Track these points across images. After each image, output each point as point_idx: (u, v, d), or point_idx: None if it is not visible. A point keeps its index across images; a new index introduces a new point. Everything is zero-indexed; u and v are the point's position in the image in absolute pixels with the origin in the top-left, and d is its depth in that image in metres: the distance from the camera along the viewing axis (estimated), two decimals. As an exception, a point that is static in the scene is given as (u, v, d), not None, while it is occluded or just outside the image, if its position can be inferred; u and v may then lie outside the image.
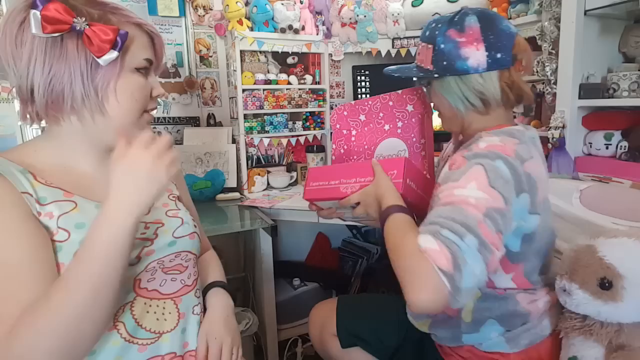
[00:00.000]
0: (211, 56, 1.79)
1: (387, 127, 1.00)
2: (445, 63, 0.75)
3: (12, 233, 0.53)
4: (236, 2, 1.54)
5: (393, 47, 1.74)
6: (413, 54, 1.70)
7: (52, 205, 0.57)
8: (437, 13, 1.58)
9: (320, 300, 1.69)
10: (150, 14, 1.64)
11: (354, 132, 1.03)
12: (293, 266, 1.88)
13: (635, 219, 0.91)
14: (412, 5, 1.64)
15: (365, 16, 1.68)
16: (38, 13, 0.52)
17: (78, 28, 0.55)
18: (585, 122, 1.30)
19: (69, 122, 0.61)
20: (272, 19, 1.63)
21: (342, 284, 1.77)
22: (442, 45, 0.75)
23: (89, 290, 0.50)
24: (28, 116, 0.60)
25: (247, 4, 1.62)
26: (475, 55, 0.73)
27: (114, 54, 0.57)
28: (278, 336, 1.53)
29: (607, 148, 1.25)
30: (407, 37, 1.71)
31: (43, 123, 0.62)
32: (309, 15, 1.71)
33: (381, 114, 0.99)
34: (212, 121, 1.83)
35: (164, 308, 0.65)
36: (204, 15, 1.75)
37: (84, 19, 0.55)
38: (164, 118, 1.74)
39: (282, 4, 1.62)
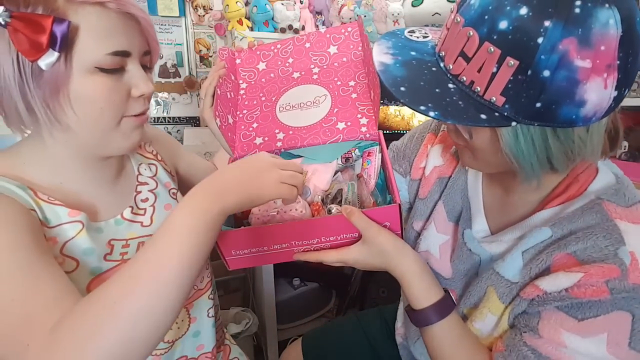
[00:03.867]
0: (211, 56, 1.79)
1: (296, 75, 0.75)
2: (539, 106, 0.40)
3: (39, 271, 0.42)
4: (236, 2, 1.54)
5: (393, 47, 1.74)
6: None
7: (56, 230, 0.48)
8: (437, 13, 1.58)
9: (320, 300, 1.70)
10: (150, 14, 1.64)
11: (244, 85, 0.76)
12: (293, 266, 1.87)
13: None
14: (412, 5, 1.64)
15: (365, 16, 1.68)
16: None
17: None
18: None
19: (49, 135, 0.49)
20: (272, 19, 1.63)
21: (342, 283, 1.77)
22: (546, 73, 0.38)
23: (153, 283, 0.38)
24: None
25: (247, 4, 1.62)
26: (599, 95, 0.39)
27: (53, 56, 0.42)
28: (278, 336, 1.53)
29: (607, 148, 1.26)
30: (407, 37, 1.71)
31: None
32: (309, 15, 1.71)
33: (290, 59, 0.75)
34: (212, 121, 1.83)
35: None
36: (204, 15, 1.74)
37: (4, 8, 0.40)
38: (164, 118, 1.74)
39: (282, 3, 1.62)
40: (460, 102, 0.43)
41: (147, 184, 0.62)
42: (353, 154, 0.65)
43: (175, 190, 0.67)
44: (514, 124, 0.42)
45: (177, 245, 0.39)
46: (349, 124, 0.68)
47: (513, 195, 0.57)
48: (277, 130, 0.71)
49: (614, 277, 0.43)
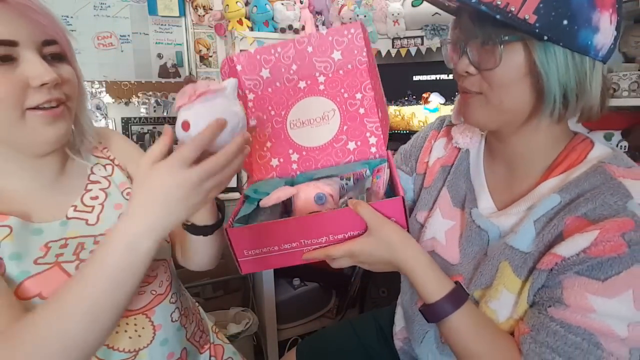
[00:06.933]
0: (211, 56, 1.79)
1: (302, 84, 0.74)
2: (565, 23, 0.45)
3: None
4: (236, 2, 1.54)
5: (393, 47, 1.74)
6: (413, 54, 1.70)
7: None
8: (437, 13, 1.58)
9: (320, 300, 1.70)
10: (150, 14, 1.65)
11: (251, 96, 0.75)
12: (293, 266, 1.87)
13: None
14: (412, 5, 1.64)
15: (365, 16, 1.68)
16: None
17: None
18: (585, 122, 1.30)
19: None
20: (272, 19, 1.63)
21: (342, 284, 1.77)
22: None
23: (86, 318, 0.43)
24: None
25: (247, 3, 1.62)
26: (606, 28, 0.47)
27: None
28: (278, 336, 1.53)
29: (607, 148, 1.26)
30: (407, 37, 1.71)
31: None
32: (309, 15, 1.71)
33: (294, 66, 0.73)
34: (212, 121, 1.83)
35: (135, 325, 0.60)
36: (204, 15, 1.74)
37: None
38: (164, 118, 1.74)
39: (282, 3, 1.62)
40: (497, 14, 0.46)
41: (99, 182, 0.61)
42: (364, 174, 0.68)
43: (129, 191, 0.65)
44: (545, 38, 0.46)
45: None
46: (358, 143, 0.72)
47: (516, 170, 0.59)
48: (290, 151, 0.73)
49: (629, 229, 0.44)
